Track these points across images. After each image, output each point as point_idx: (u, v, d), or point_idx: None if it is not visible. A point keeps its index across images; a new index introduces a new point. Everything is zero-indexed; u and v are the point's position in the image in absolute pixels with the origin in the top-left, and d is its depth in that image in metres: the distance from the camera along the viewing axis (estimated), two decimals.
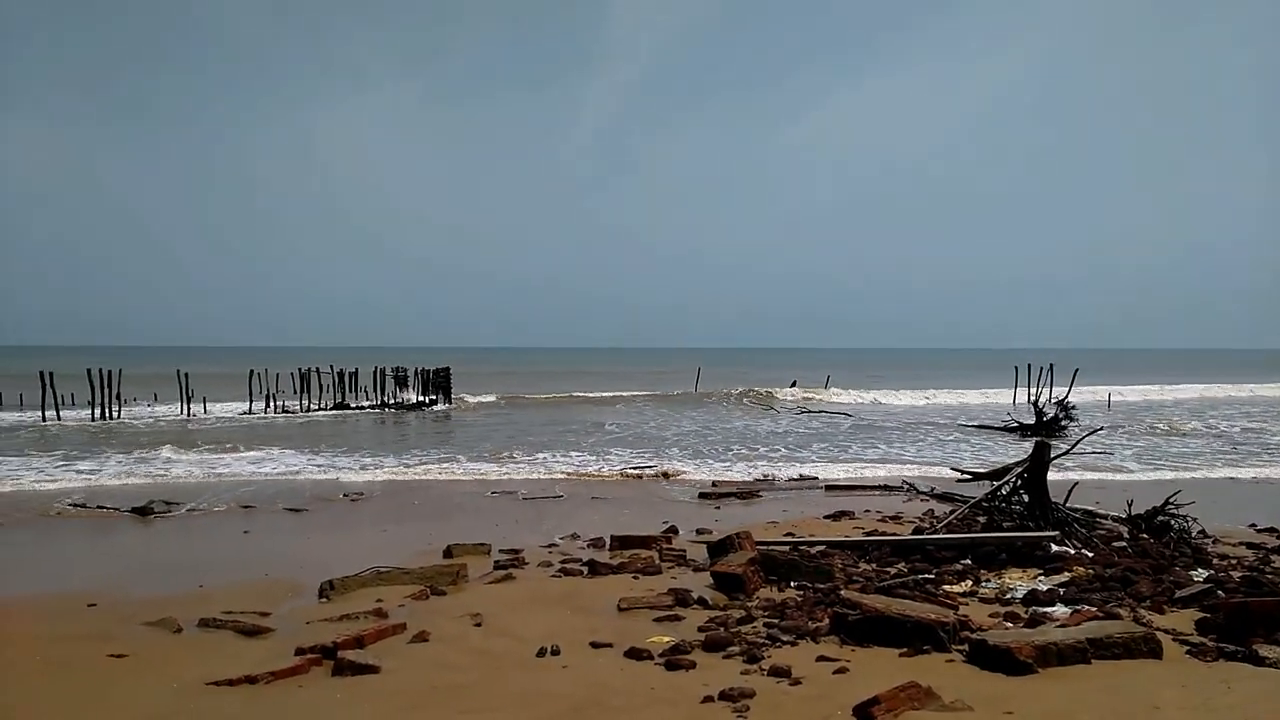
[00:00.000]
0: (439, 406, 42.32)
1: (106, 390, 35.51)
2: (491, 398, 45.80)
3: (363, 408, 40.83)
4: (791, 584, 9.36)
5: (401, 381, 44.56)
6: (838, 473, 20.15)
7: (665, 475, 20.11)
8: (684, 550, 11.55)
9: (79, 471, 20.86)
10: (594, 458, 23.32)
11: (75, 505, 16.02)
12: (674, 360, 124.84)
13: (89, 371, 35.63)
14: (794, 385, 52.78)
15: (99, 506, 15.88)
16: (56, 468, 21.40)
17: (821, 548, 11.09)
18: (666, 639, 7.48)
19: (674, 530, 13.20)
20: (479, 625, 8.25)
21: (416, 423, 35.50)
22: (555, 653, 7.26)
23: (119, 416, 35.55)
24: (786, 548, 10.86)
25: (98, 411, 35.34)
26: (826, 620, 7.72)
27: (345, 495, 17.43)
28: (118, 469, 21.30)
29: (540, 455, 23.75)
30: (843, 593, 8.40)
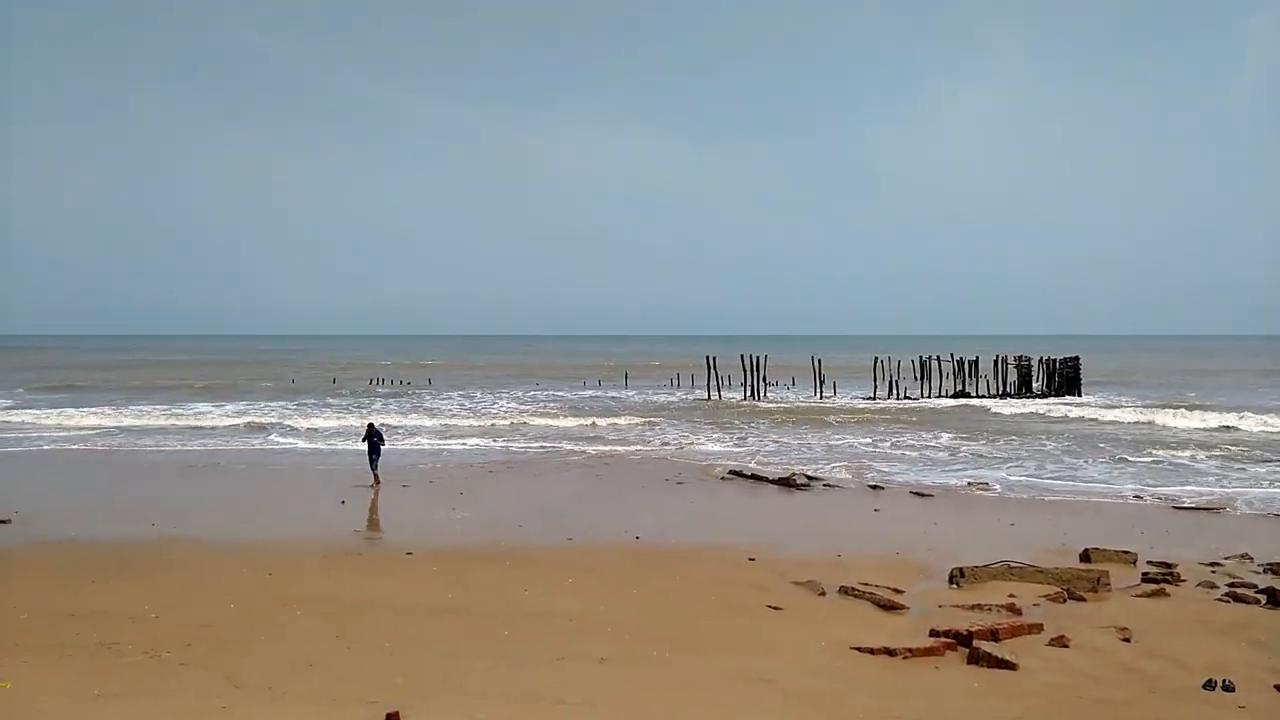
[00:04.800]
0: (1064, 401, 39.35)
1: (755, 374, 40.65)
2: (1128, 403, 40.53)
3: (983, 397, 40.04)
4: None
5: (1024, 372, 42.57)
6: None
7: None
8: None
9: (736, 443, 24.24)
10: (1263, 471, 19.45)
11: (732, 473, 18.63)
12: None
13: (742, 357, 41.36)
14: None
15: (751, 475, 18.24)
16: (718, 439, 25.18)
17: None
18: None
19: None
20: (1127, 640, 7.50)
21: (1042, 418, 33.44)
22: (1228, 688, 6.25)
23: (764, 397, 40.41)
24: None
25: (748, 392, 40.65)
26: None
27: (969, 484, 17.29)
28: (761, 442, 24.20)
29: (1185, 460, 20.64)
30: None
